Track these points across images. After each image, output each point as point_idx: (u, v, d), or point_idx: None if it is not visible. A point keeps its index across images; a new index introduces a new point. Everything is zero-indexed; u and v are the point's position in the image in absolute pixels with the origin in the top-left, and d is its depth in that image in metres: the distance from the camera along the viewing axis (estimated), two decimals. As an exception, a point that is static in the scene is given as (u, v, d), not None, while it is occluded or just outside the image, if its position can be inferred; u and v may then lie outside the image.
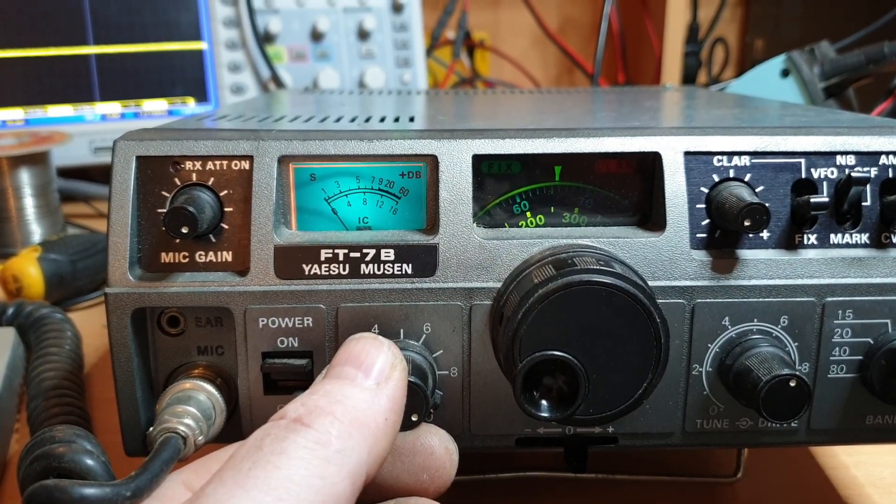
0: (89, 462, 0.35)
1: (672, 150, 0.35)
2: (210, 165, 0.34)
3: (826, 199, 0.33)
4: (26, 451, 0.36)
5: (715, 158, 0.35)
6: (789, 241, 0.35)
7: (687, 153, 0.35)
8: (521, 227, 0.35)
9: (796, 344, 0.34)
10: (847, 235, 0.35)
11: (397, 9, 1.08)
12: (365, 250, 0.34)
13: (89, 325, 0.63)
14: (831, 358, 0.35)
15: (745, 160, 0.35)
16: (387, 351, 0.30)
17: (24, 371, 0.54)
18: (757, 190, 0.34)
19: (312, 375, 0.34)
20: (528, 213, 0.36)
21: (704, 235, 0.34)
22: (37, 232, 0.83)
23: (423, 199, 0.35)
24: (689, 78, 1.25)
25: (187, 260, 0.34)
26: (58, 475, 0.35)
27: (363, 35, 1.07)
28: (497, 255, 0.34)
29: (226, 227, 0.34)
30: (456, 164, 0.34)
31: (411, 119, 0.43)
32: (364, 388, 0.28)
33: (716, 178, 0.35)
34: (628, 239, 0.34)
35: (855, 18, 0.95)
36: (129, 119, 1.02)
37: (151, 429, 0.31)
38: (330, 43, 1.07)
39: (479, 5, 1.30)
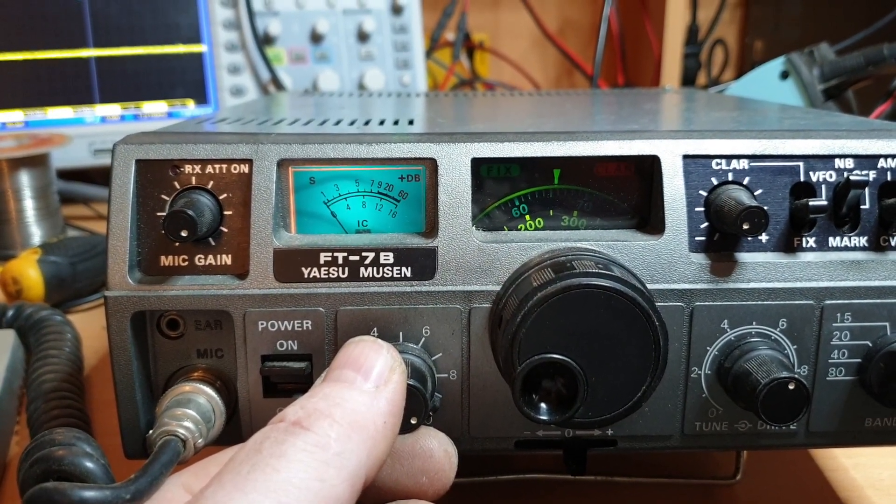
0: (89, 465, 0.35)
1: (671, 154, 0.35)
2: (209, 169, 0.34)
3: (825, 203, 0.33)
4: (26, 453, 0.36)
5: (714, 162, 0.35)
6: (788, 245, 0.35)
7: (686, 156, 0.35)
8: (520, 230, 0.35)
9: (795, 347, 0.34)
10: (846, 238, 0.35)
11: (397, 10, 1.08)
12: (364, 253, 0.34)
13: (89, 327, 0.63)
14: (830, 361, 0.35)
15: (744, 163, 0.35)
16: (386, 354, 0.30)
17: (24, 373, 0.54)
18: (756, 193, 0.34)
19: (312, 378, 0.34)
20: (528, 217, 0.36)
21: (703, 238, 0.34)
22: (37, 234, 0.83)
23: (423, 203, 0.35)
24: (688, 79, 1.25)
25: (187, 263, 0.34)
26: (57, 478, 0.35)
27: (363, 37, 1.07)
28: (496, 258, 0.34)
29: (225, 230, 0.34)
30: (455, 167, 0.34)
31: (411, 122, 0.44)
32: (363, 391, 0.28)
33: (714, 181, 0.35)
34: (627, 242, 0.34)
35: (854, 20, 0.95)
36: (129, 121, 1.02)
37: (151, 431, 0.31)
38: (329, 45, 1.07)
39: (478, 7, 1.30)
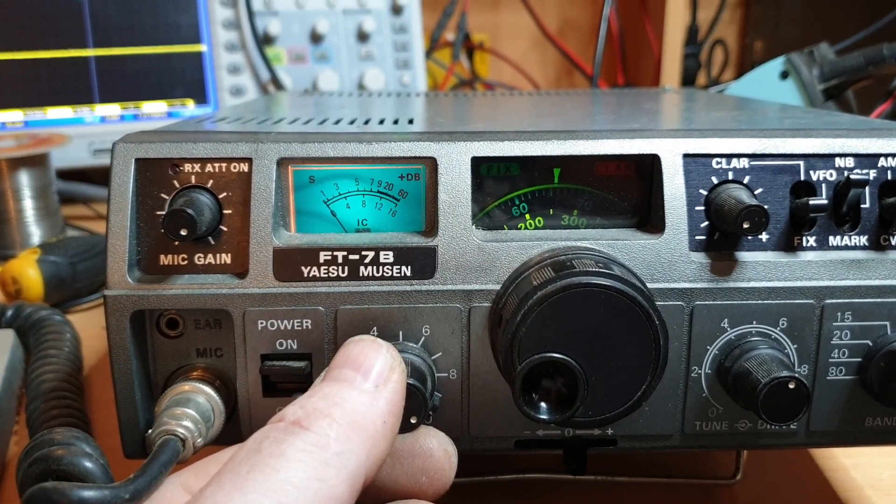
0: (88, 465, 0.35)
1: (671, 153, 0.35)
2: (209, 168, 0.34)
3: (825, 202, 0.33)
4: (25, 453, 0.36)
5: (714, 161, 0.35)
6: (788, 244, 0.35)
7: (686, 155, 0.35)
8: (520, 229, 0.35)
9: (795, 346, 0.34)
10: (846, 237, 0.35)
11: (397, 10, 1.08)
12: (364, 252, 0.34)
13: (88, 326, 0.63)
14: (830, 360, 0.35)
15: (745, 162, 0.35)
16: (385, 353, 0.30)
17: (24, 373, 0.54)
18: (756, 192, 0.34)
19: (311, 377, 0.34)
20: (527, 216, 0.36)
21: (703, 237, 0.34)
22: (36, 234, 0.83)
23: (423, 202, 0.35)
24: (688, 80, 1.25)
25: (186, 262, 0.34)
26: (56, 477, 0.35)
27: (362, 37, 1.07)
28: (496, 257, 0.34)
29: (225, 229, 0.34)
30: (455, 166, 0.34)
31: (410, 121, 0.44)
32: (362, 390, 0.28)
33: (715, 180, 0.35)
34: (627, 241, 0.34)
35: (854, 20, 0.95)
36: (129, 121, 1.02)
37: (150, 431, 0.31)
38: (329, 45, 1.07)
39: (478, 7, 1.30)
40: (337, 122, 0.42)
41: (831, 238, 0.35)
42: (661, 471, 0.44)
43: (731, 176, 0.35)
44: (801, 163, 0.35)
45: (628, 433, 0.35)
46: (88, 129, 1.00)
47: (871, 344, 0.34)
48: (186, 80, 1.03)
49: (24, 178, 0.82)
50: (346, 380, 0.28)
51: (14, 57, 0.98)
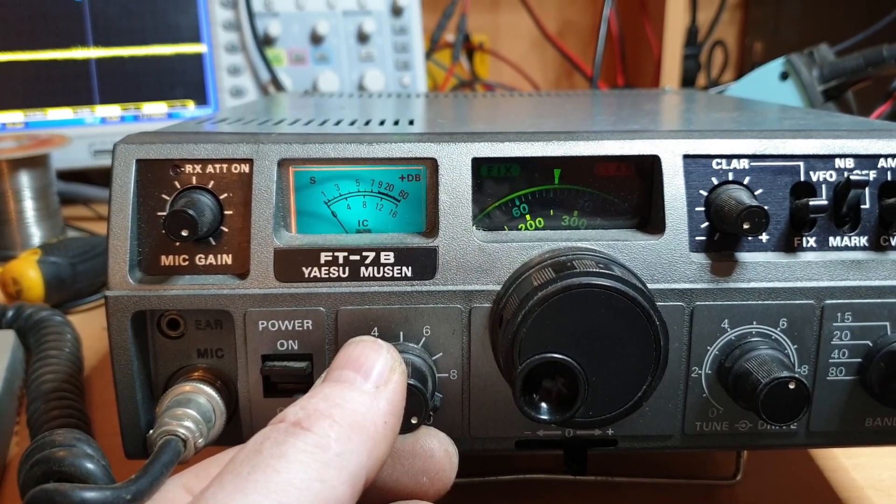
0: (89, 466, 0.35)
1: (671, 154, 0.35)
2: (210, 169, 0.34)
3: (825, 202, 0.33)
4: (26, 455, 0.36)
5: (714, 161, 0.35)
6: (788, 244, 0.35)
7: (686, 156, 0.35)
8: (520, 229, 0.35)
9: (795, 346, 0.34)
10: (846, 238, 0.35)
11: (397, 12, 1.08)
12: (364, 253, 0.34)
13: (89, 327, 0.63)
14: (830, 360, 0.35)
15: (745, 163, 0.35)
16: (386, 354, 0.30)
17: (24, 374, 0.54)
18: (756, 193, 0.34)
19: (312, 378, 0.34)
20: (528, 216, 0.36)
21: (704, 238, 0.34)
22: (36, 235, 0.83)
23: (423, 202, 0.35)
24: (688, 81, 1.25)
25: (187, 263, 0.34)
26: (58, 479, 0.35)
27: (363, 38, 1.07)
28: (496, 257, 0.34)
29: (226, 230, 0.34)
30: (455, 167, 0.34)
31: (411, 122, 0.44)
32: (363, 391, 0.28)
33: (715, 181, 0.35)
34: (628, 242, 0.34)
35: (854, 21, 0.95)
36: (129, 122, 1.02)
37: (151, 431, 0.31)
38: (329, 46, 1.07)
39: (478, 8, 1.30)
40: (337, 123, 0.42)
41: (831, 239, 0.35)
42: (662, 471, 0.44)
43: (731, 177, 0.35)
44: (801, 163, 0.35)
45: (629, 433, 0.35)
46: (89, 130, 1.00)
47: (871, 344, 0.34)
48: (187, 81, 1.03)
49: (25, 179, 0.82)
50: (347, 381, 0.28)
51: (14, 58, 0.98)
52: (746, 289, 0.34)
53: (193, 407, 0.32)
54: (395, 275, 0.34)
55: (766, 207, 0.32)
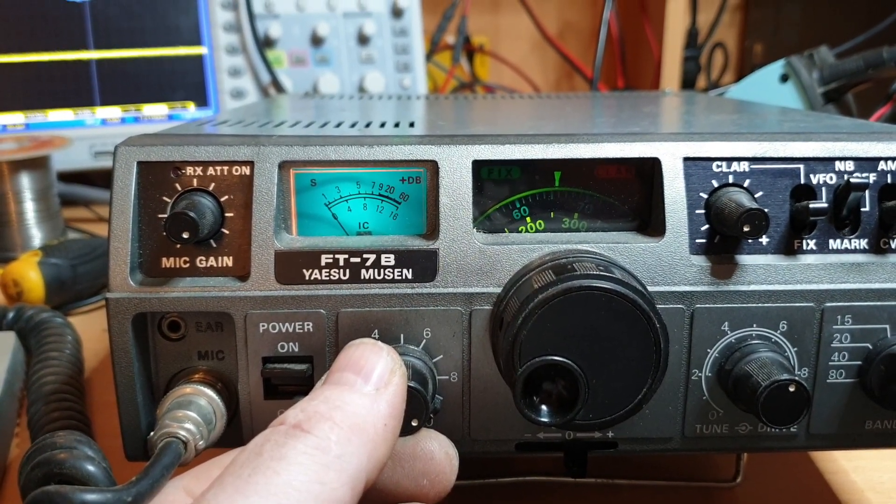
0: (90, 468, 0.35)
1: (671, 156, 0.35)
2: (211, 171, 0.34)
3: (825, 205, 0.34)
4: (27, 457, 0.36)
5: (714, 164, 0.35)
6: (788, 247, 0.35)
7: (686, 159, 0.35)
8: (520, 232, 0.36)
9: (795, 349, 0.34)
10: (846, 241, 0.35)
11: (397, 14, 1.08)
12: (365, 255, 0.34)
13: (90, 329, 0.63)
14: (830, 363, 0.35)
15: (745, 166, 0.35)
16: (386, 356, 0.30)
17: (25, 375, 0.54)
18: (756, 195, 0.34)
19: (312, 380, 0.34)
20: (528, 219, 0.36)
21: (704, 241, 0.34)
22: (37, 236, 0.83)
23: (424, 205, 0.35)
24: (688, 83, 1.25)
25: (188, 265, 0.34)
26: (59, 481, 0.35)
27: (363, 40, 1.07)
28: (497, 260, 0.34)
29: (226, 232, 0.34)
30: (456, 169, 0.34)
31: (411, 124, 0.44)
32: (363, 393, 0.28)
33: (715, 183, 0.35)
34: (628, 244, 0.34)
35: (854, 23, 0.95)
36: (130, 123, 1.02)
37: (152, 433, 0.31)
38: (330, 48, 1.07)
39: (478, 10, 1.31)
40: (338, 126, 0.42)
41: (831, 241, 0.35)
42: (662, 474, 0.44)
43: (731, 179, 0.35)
44: (801, 166, 0.35)
45: (629, 436, 0.35)
46: (89, 132, 1.00)
47: (871, 347, 0.35)
48: (187, 82, 1.03)
49: (25, 181, 0.82)
50: (347, 383, 0.28)
51: (15, 59, 0.98)
52: (746, 291, 0.34)
53: (194, 409, 0.32)
54: (396, 277, 0.34)
55: (766, 210, 0.32)
